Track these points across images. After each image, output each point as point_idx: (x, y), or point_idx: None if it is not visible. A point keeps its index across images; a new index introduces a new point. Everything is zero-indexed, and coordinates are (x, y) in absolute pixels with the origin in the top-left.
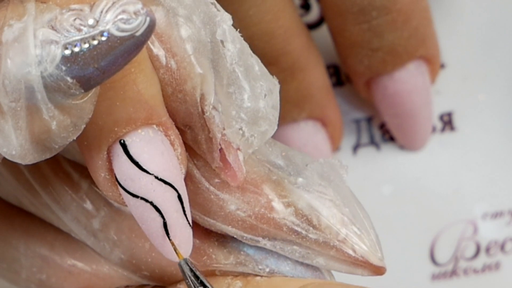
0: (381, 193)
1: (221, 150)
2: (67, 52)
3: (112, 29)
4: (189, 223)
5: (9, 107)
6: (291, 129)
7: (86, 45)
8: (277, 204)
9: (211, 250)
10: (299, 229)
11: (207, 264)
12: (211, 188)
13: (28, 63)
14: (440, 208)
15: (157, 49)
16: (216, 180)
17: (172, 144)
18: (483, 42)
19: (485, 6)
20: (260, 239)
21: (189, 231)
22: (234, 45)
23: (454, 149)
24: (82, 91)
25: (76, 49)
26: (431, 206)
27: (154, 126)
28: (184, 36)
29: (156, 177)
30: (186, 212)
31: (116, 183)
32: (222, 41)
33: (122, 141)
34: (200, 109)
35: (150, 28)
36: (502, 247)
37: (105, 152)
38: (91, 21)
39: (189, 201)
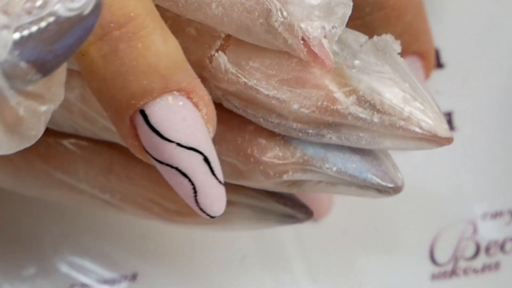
0: None
1: (305, 43)
2: (17, 36)
3: (60, 10)
4: (219, 181)
5: None
6: None
7: (35, 27)
8: (339, 94)
9: (277, 148)
10: (363, 116)
11: (274, 163)
12: (271, 93)
13: None
14: (439, 208)
15: None
16: (275, 79)
17: (196, 105)
18: (483, 42)
19: (485, 6)
20: (325, 132)
21: (220, 189)
22: None
23: (453, 149)
24: (40, 76)
25: (25, 32)
26: (431, 206)
27: (175, 92)
28: None
29: (179, 144)
30: (215, 172)
31: (144, 148)
32: None
33: (142, 110)
34: (267, 27)
35: (98, 7)
36: (502, 247)
37: (128, 122)
38: (39, 3)
39: (253, 109)
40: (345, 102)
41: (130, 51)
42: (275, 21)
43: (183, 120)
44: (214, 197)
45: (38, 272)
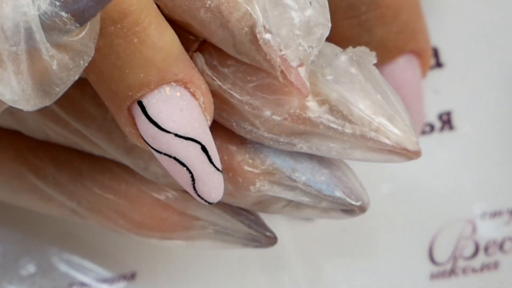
0: (380, 192)
1: (281, 70)
2: None
3: None
4: (217, 168)
5: (9, 52)
6: None
7: None
8: (311, 103)
9: (247, 155)
10: (335, 126)
11: (244, 170)
12: (244, 99)
13: (22, 3)
14: (438, 207)
15: None
16: (250, 85)
17: (193, 95)
18: (482, 41)
19: (484, 5)
20: (296, 141)
21: (218, 176)
22: None
23: (453, 148)
24: (78, 25)
25: None
26: (430, 205)
27: (172, 83)
28: None
29: (176, 134)
30: (213, 159)
31: (141, 137)
32: None
33: (140, 101)
34: (252, 36)
35: None
36: (501, 247)
37: (126, 112)
38: None
39: (227, 112)
40: (318, 111)
41: (126, 46)
42: (258, 32)
43: (180, 111)
44: (212, 184)
45: (37, 271)
